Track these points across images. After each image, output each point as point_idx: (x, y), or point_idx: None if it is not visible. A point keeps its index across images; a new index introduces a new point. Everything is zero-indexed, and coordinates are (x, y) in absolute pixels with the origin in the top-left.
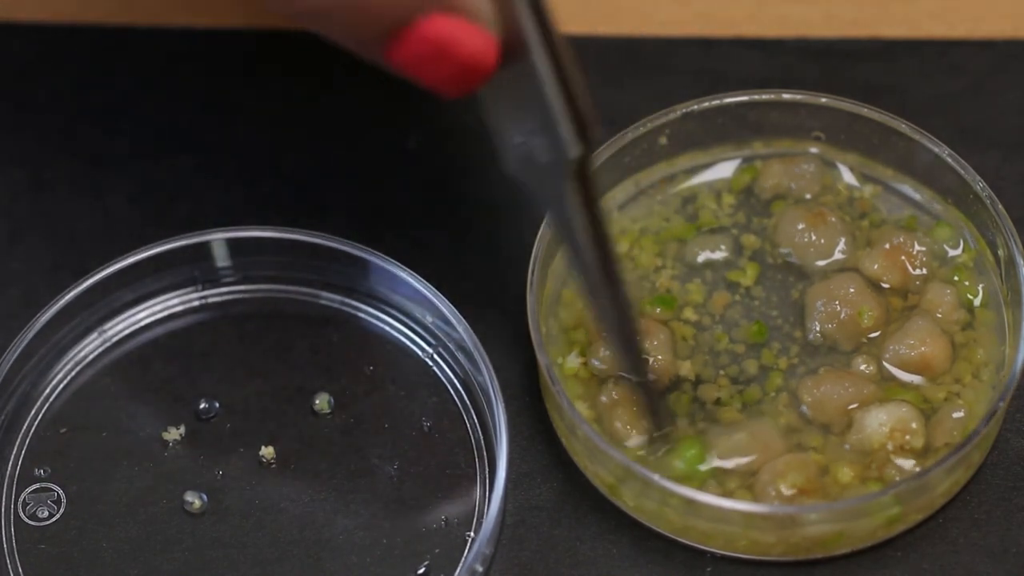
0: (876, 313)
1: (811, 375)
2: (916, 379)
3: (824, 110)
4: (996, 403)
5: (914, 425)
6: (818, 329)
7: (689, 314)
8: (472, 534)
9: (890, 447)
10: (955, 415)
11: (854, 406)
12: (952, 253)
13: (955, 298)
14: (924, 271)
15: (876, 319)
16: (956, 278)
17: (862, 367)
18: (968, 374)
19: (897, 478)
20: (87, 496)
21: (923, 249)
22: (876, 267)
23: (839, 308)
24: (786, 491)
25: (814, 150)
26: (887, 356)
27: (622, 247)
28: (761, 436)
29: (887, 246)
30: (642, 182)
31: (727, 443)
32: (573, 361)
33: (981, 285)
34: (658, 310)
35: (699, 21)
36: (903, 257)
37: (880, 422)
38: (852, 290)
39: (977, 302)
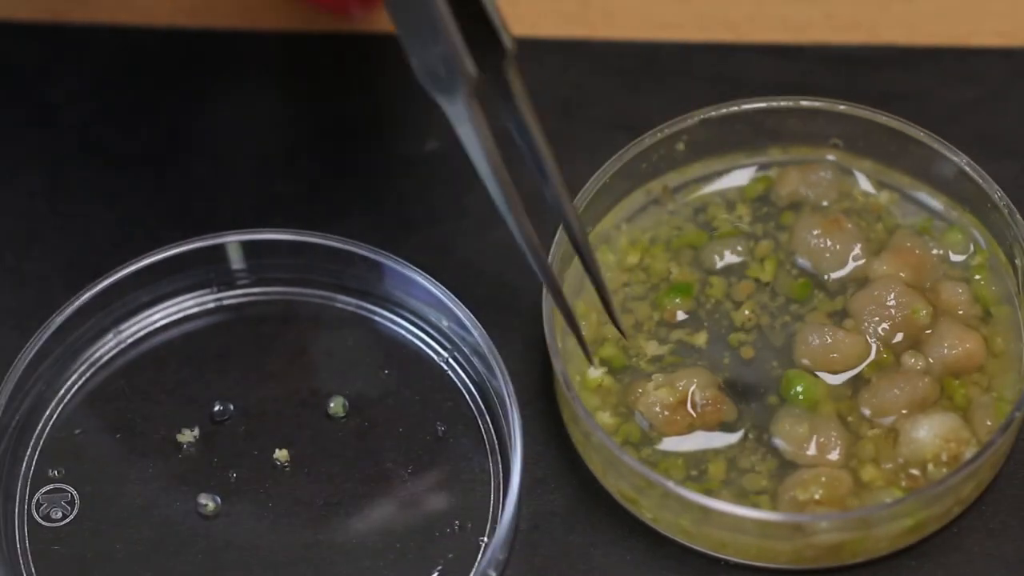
0: (929, 309)
1: (867, 384)
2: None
3: (842, 117)
4: (1012, 414)
5: (965, 434)
6: (878, 334)
7: (712, 299)
8: (486, 539)
9: (944, 458)
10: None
11: (906, 411)
12: (963, 257)
13: (969, 295)
14: (935, 273)
15: (931, 315)
16: (969, 277)
17: (912, 362)
18: (998, 367)
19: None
20: (101, 497)
21: (934, 252)
22: (885, 268)
23: (894, 312)
24: (807, 500)
25: (831, 157)
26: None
27: (632, 259)
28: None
29: (897, 250)
30: (652, 192)
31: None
32: (595, 373)
33: (994, 286)
34: (677, 300)
35: (698, 22)
36: (913, 260)
37: (935, 433)
38: (897, 291)
39: (991, 297)
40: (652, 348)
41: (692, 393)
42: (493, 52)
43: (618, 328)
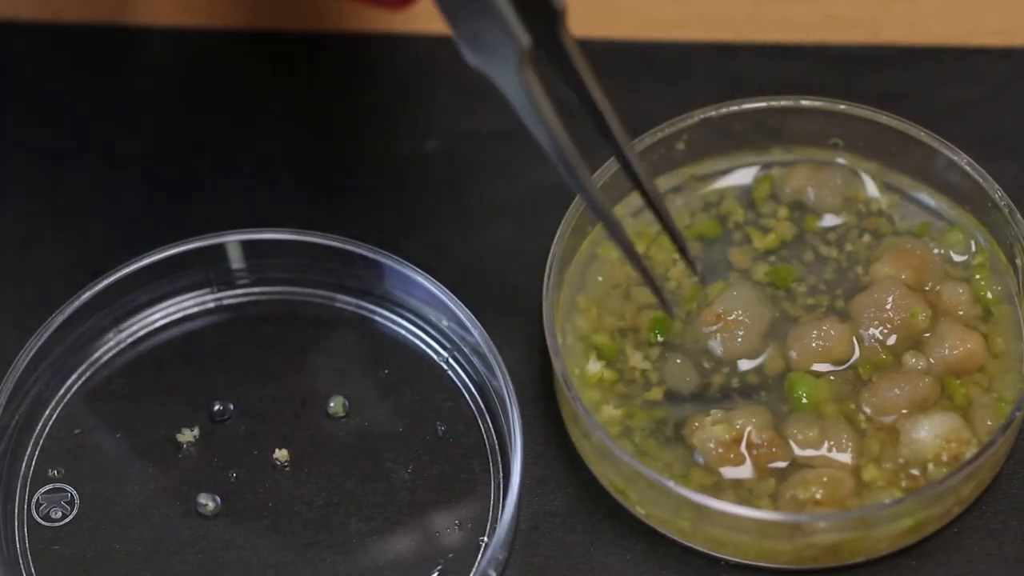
0: (928, 312)
1: (867, 384)
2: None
3: (843, 117)
4: (1012, 414)
5: (965, 434)
6: (875, 336)
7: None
8: (486, 539)
9: (945, 458)
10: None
11: (906, 411)
12: (963, 258)
13: (969, 295)
14: (936, 274)
15: (930, 317)
16: (969, 276)
17: (912, 362)
18: (998, 367)
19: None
20: (100, 497)
21: (935, 253)
22: (886, 269)
23: (892, 315)
24: (807, 500)
25: (841, 160)
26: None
27: (639, 249)
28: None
29: (898, 251)
30: (660, 188)
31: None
32: (594, 367)
33: (996, 286)
34: (657, 331)
35: (698, 22)
36: (914, 262)
37: (936, 433)
38: (897, 294)
39: (991, 297)
40: (638, 360)
41: (749, 433)
42: (542, 16)
43: (688, 261)
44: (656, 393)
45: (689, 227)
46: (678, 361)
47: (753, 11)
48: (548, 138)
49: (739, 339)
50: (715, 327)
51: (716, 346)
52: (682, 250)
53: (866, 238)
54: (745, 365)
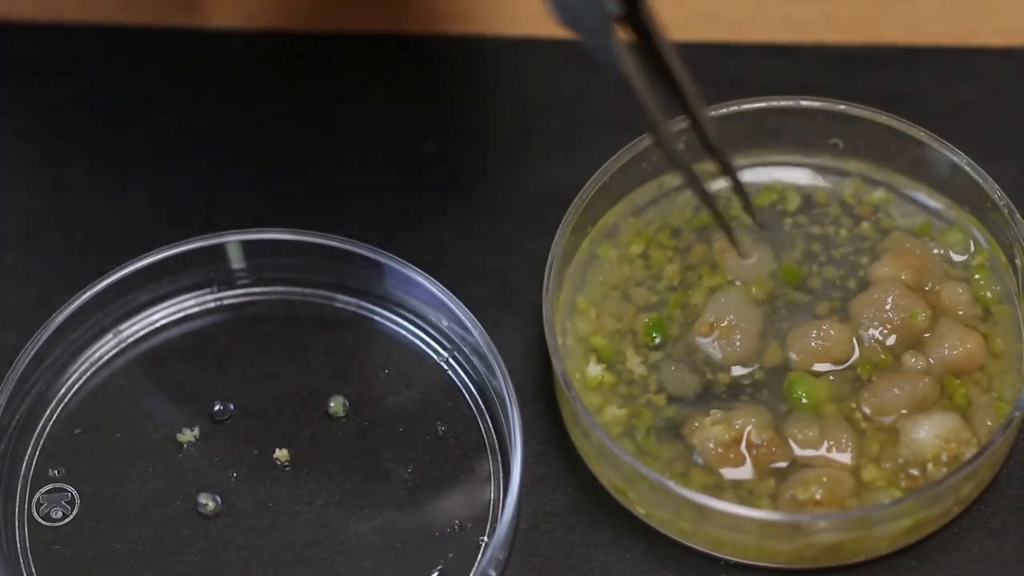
0: (928, 312)
1: (867, 384)
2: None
3: (842, 117)
4: (1012, 414)
5: (965, 434)
6: (875, 337)
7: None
8: (486, 539)
9: (944, 458)
10: (998, 407)
11: (906, 411)
12: (963, 257)
13: (969, 295)
14: (936, 274)
15: (929, 317)
16: (969, 276)
17: (912, 362)
18: (998, 367)
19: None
20: (101, 497)
21: (935, 253)
22: (886, 270)
23: (892, 316)
24: (807, 500)
25: (828, 160)
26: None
27: (636, 249)
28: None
29: (898, 251)
30: (664, 185)
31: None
32: (594, 370)
33: (996, 286)
34: (654, 334)
35: (697, 22)
36: (914, 262)
37: (935, 433)
38: (896, 294)
39: (991, 297)
40: (636, 363)
41: (748, 433)
42: None
43: (752, 215)
44: (656, 394)
45: (697, 218)
46: (673, 368)
47: (753, 11)
48: (638, 94)
49: (737, 344)
50: (711, 337)
51: (716, 353)
52: (747, 207)
53: (865, 237)
54: (745, 367)
